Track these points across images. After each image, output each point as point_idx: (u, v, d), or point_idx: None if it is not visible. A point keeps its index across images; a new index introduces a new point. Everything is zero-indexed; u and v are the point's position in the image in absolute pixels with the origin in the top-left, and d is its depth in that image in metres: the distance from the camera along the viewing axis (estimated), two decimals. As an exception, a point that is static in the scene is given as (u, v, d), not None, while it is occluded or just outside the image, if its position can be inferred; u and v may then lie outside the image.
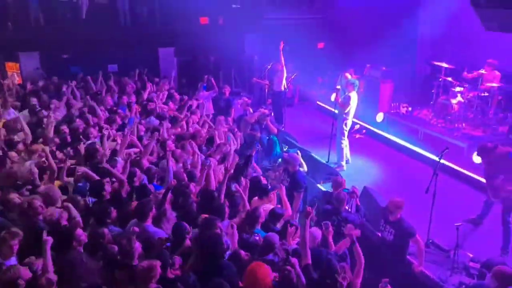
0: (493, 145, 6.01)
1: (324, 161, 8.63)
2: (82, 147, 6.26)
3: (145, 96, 9.67)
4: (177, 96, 10.02)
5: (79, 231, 4.18)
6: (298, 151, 7.16)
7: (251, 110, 9.15)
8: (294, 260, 3.86)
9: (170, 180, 5.51)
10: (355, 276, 4.04)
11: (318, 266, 4.04)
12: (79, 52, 11.78)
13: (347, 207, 5.69)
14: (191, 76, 12.21)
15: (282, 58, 10.38)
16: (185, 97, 9.69)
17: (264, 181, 6.05)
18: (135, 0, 12.65)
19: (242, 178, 5.72)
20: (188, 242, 4.26)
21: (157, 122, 8.01)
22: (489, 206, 6.41)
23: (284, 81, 10.71)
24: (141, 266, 3.65)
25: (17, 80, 11.12)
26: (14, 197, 4.74)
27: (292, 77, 11.37)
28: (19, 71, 11.65)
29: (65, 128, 7.16)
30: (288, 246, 4.45)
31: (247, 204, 5.25)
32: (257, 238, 4.56)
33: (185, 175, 5.87)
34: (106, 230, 4.30)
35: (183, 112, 8.49)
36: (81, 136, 6.84)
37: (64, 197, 4.98)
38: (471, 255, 5.64)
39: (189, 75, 12.53)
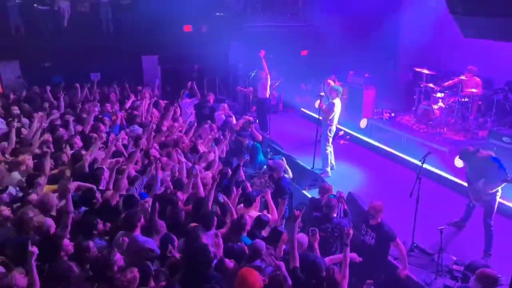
0: (475, 149, 6.12)
1: (309, 168, 8.66)
2: (68, 152, 6.19)
3: (128, 104, 9.62)
4: (163, 104, 9.98)
5: (66, 241, 4.14)
6: (283, 158, 7.17)
7: (234, 118, 9.17)
8: (280, 263, 3.92)
9: (157, 189, 5.47)
10: (341, 277, 4.10)
11: (305, 268, 4.09)
12: (61, 60, 11.63)
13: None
14: (175, 83, 12.16)
15: (265, 66, 10.44)
16: (170, 106, 9.62)
17: (249, 188, 6.06)
18: (118, 8, 12.57)
19: (234, 188, 5.71)
20: (176, 254, 4.19)
21: (140, 130, 7.95)
22: (471, 209, 6.51)
23: (268, 89, 10.77)
24: (122, 278, 3.64)
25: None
26: (4, 209, 4.62)
27: (277, 84, 11.44)
28: (-1, 80, 11.45)
29: (48, 137, 7.05)
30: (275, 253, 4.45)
31: (234, 214, 5.21)
32: (240, 244, 4.55)
33: (170, 183, 5.82)
34: (91, 243, 4.23)
35: (167, 119, 8.45)
36: (64, 145, 6.74)
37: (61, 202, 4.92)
38: (454, 258, 5.70)
39: (173, 83, 12.48)
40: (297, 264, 4.12)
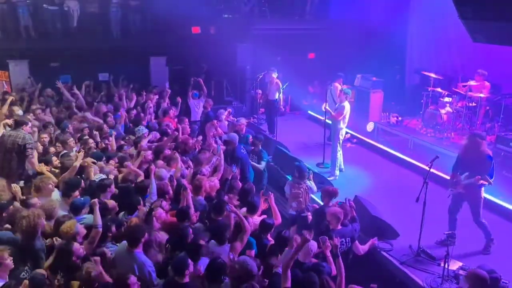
0: (484, 138, 5.94)
1: (316, 171, 8.65)
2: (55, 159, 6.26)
3: (132, 104, 9.73)
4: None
5: (76, 245, 4.17)
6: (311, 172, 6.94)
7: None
8: None
9: (154, 194, 5.48)
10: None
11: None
12: (69, 60, 11.73)
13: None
14: (183, 85, 12.23)
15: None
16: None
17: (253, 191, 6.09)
18: (127, 8, 12.67)
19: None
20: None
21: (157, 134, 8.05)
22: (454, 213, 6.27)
23: (278, 91, 10.88)
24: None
25: (6, 88, 11.10)
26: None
27: (284, 87, 11.47)
28: (8, 80, 11.56)
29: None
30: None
31: (247, 226, 4.79)
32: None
33: (169, 187, 5.79)
34: (106, 250, 4.33)
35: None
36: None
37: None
38: (461, 263, 5.68)
39: (181, 84, 12.54)
40: (289, 285, 3.98)
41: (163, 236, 4.70)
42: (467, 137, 6.10)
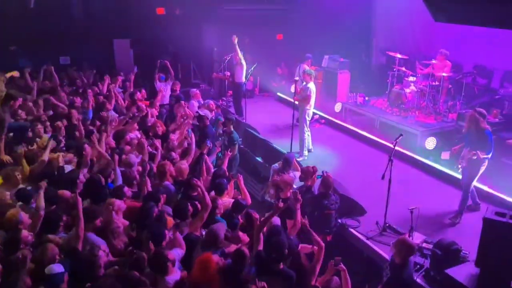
0: (483, 115, 6.16)
1: (285, 152, 8.70)
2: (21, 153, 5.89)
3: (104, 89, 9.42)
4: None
5: (25, 232, 4.09)
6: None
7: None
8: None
9: (119, 182, 5.42)
10: (315, 262, 4.19)
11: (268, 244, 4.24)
12: (28, 44, 11.20)
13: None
14: (148, 68, 11.94)
15: (238, 52, 10.31)
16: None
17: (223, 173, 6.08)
18: (88, -11, 12.18)
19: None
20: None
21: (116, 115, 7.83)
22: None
23: (244, 73, 10.72)
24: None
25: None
26: None
27: (252, 68, 11.40)
28: (-39, 65, 10.94)
29: None
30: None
31: (208, 201, 4.95)
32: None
33: (136, 173, 5.70)
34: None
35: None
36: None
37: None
38: (424, 237, 5.90)
39: (145, 67, 12.24)
40: (261, 247, 4.26)
41: (123, 222, 4.69)
42: (468, 114, 6.41)
